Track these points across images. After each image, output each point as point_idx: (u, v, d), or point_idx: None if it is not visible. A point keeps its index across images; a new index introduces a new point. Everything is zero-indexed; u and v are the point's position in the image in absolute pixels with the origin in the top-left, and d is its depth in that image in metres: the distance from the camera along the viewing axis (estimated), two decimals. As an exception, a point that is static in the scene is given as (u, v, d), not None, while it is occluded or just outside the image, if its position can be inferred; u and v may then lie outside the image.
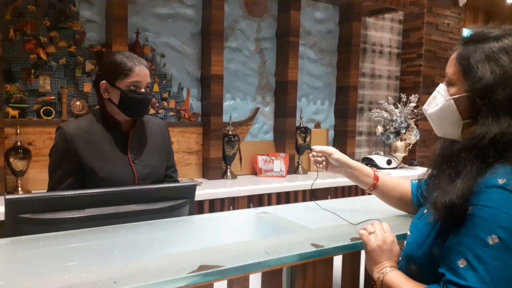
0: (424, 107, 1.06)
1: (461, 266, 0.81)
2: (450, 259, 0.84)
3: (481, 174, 0.85)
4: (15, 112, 2.32)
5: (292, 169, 3.31)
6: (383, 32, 4.08)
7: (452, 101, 0.96)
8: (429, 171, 1.06)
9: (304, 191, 2.93)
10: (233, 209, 2.60)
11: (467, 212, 0.84)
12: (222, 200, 2.58)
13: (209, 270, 0.82)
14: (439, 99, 1.00)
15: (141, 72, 1.47)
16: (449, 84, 0.97)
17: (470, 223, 0.83)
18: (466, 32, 4.01)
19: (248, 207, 2.68)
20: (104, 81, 1.49)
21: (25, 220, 1.01)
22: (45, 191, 1.42)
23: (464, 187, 0.85)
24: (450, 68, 0.97)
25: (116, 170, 1.46)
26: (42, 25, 2.42)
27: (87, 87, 2.54)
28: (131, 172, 1.50)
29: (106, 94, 1.50)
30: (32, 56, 2.39)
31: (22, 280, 0.79)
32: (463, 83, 0.93)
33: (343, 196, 3.09)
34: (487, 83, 0.88)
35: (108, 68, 1.50)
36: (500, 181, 0.82)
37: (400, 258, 1.03)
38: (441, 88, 1.00)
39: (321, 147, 1.40)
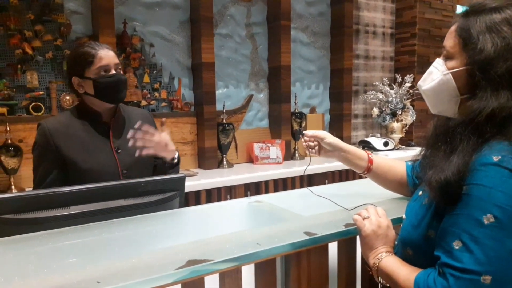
0: (419, 83, 1.02)
1: (456, 247, 0.79)
2: (445, 241, 0.81)
3: (477, 150, 0.82)
4: (3, 110, 2.27)
5: (289, 155, 3.28)
6: (375, 12, 4.00)
7: (450, 75, 0.92)
8: (423, 151, 1.03)
9: (301, 177, 2.90)
10: (230, 198, 2.58)
11: (462, 191, 0.81)
12: (218, 189, 2.56)
13: (197, 265, 0.79)
14: (436, 74, 0.95)
15: (105, 55, 1.46)
16: (447, 58, 0.93)
17: (464, 202, 0.80)
18: (460, 9, 3.94)
19: (245, 195, 2.66)
20: (74, 77, 1.48)
21: (6, 221, 0.98)
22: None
23: (460, 163, 0.82)
24: (449, 41, 0.92)
25: (98, 161, 1.44)
26: (26, 19, 2.36)
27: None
28: (114, 161, 1.48)
29: (81, 89, 1.49)
30: (18, 51, 2.34)
31: (1, 283, 0.76)
32: (462, 56, 0.89)
33: (340, 180, 3.07)
34: (488, 55, 0.83)
35: (73, 63, 1.49)
36: (495, 158, 0.78)
37: (396, 243, 1.01)
38: (438, 63, 0.95)
39: (313, 132, 1.36)
